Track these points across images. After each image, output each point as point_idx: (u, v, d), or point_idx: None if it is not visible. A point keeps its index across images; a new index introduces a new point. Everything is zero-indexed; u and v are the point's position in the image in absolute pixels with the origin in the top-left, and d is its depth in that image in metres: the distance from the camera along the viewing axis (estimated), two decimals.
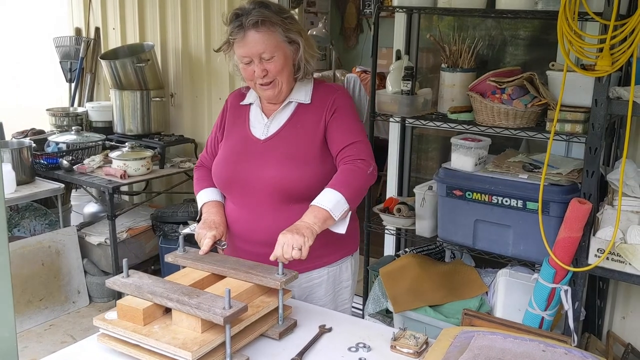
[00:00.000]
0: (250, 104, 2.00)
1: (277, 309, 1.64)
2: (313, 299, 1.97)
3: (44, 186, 3.69)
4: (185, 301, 1.46)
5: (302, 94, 1.92)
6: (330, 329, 1.66)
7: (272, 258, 1.68)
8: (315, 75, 6.12)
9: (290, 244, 1.66)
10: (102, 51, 4.73)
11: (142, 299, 1.52)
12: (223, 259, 1.79)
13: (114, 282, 1.59)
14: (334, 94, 1.92)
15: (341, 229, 1.79)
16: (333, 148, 1.87)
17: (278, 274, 1.63)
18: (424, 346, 1.57)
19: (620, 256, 2.24)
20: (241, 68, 1.87)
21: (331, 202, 1.74)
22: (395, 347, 1.57)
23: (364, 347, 1.58)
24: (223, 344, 1.46)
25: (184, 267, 1.77)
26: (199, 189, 2.04)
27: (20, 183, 3.59)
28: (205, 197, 2.00)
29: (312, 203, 1.75)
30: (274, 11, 1.81)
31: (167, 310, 1.53)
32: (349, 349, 1.58)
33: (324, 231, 1.84)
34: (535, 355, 1.38)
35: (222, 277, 1.71)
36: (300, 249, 1.66)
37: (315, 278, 1.97)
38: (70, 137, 4.07)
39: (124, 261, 1.60)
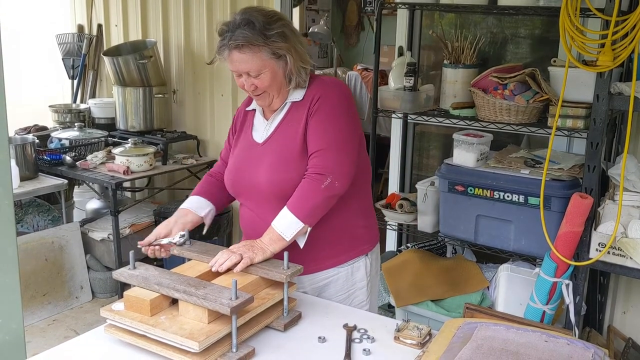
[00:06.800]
0: (254, 109, 2.00)
1: (282, 301, 1.66)
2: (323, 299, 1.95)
3: (47, 182, 3.71)
4: (192, 292, 1.47)
5: (297, 94, 1.89)
6: (355, 327, 1.65)
7: (210, 263, 1.69)
8: (317, 72, 6.12)
9: (232, 255, 1.67)
10: (105, 48, 4.74)
11: (149, 290, 1.53)
12: None
13: (121, 274, 1.61)
14: (322, 89, 1.86)
15: (300, 242, 1.81)
16: (308, 152, 1.83)
17: (283, 267, 1.65)
18: (427, 337, 1.58)
19: (621, 250, 2.26)
20: (235, 77, 1.87)
21: (283, 224, 1.75)
22: (398, 338, 1.58)
23: (368, 338, 1.60)
24: (229, 334, 1.47)
25: (189, 260, 1.79)
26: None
27: (23, 179, 3.61)
28: (183, 205, 2.02)
29: (272, 223, 1.77)
30: (259, 30, 1.74)
31: (174, 302, 1.54)
32: (353, 340, 1.59)
33: (331, 231, 1.88)
34: (537, 346, 1.40)
35: (227, 270, 1.72)
36: (238, 262, 1.66)
37: (323, 279, 1.95)
38: (73, 134, 4.09)
39: (131, 253, 1.62)
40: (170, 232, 1.90)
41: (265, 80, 1.81)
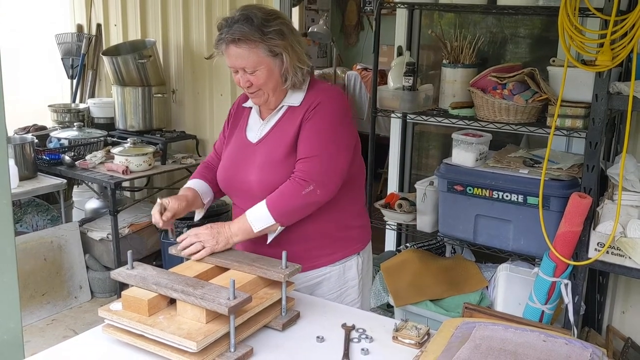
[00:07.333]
0: (250, 107, 2.00)
1: (280, 300, 1.66)
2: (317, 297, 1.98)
3: (46, 182, 3.71)
4: (190, 292, 1.47)
5: (295, 98, 1.89)
6: (353, 326, 1.65)
7: (178, 239, 1.80)
8: (316, 72, 6.13)
9: (200, 241, 1.76)
10: (104, 48, 4.74)
11: (147, 290, 1.53)
12: (227, 251, 1.80)
13: (119, 274, 1.60)
14: (321, 96, 1.86)
15: (269, 237, 1.85)
16: (297, 157, 1.84)
17: (282, 266, 1.65)
18: (426, 337, 1.58)
19: (620, 250, 2.26)
20: (232, 74, 1.88)
21: (256, 216, 1.79)
22: (397, 337, 1.58)
23: (366, 338, 1.60)
24: (227, 334, 1.47)
25: (187, 259, 1.79)
26: (190, 178, 2.10)
27: (22, 179, 3.61)
28: (187, 184, 2.05)
29: (247, 211, 1.82)
30: (256, 26, 1.75)
31: (172, 302, 1.54)
32: (352, 339, 1.59)
33: (325, 232, 1.91)
34: (536, 345, 1.40)
35: (225, 270, 1.72)
36: (202, 249, 1.75)
37: (315, 277, 1.97)
38: (72, 133, 4.09)
39: (129, 253, 1.62)
40: (182, 212, 1.92)
41: (260, 77, 1.81)
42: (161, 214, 1.86)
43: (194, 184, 2.03)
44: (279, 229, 1.83)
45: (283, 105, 1.90)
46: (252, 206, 1.84)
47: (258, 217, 1.79)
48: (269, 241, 1.85)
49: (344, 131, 1.87)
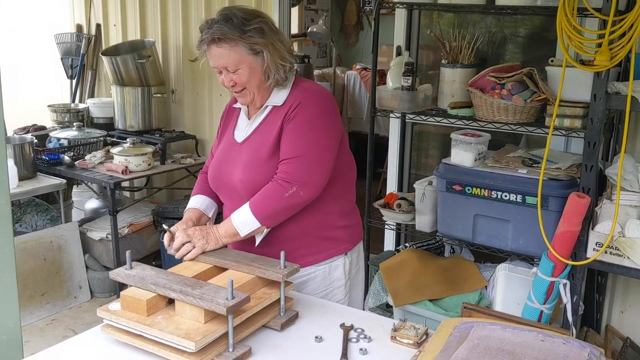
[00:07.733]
0: (240, 107, 2.02)
1: (278, 300, 1.66)
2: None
3: (46, 182, 3.71)
4: (189, 292, 1.48)
5: (279, 97, 1.90)
6: (352, 326, 1.66)
7: (173, 248, 1.82)
8: (316, 72, 6.10)
9: (187, 244, 1.80)
10: (103, 48, 4.75)
11: (146, 290, 1.54)
12: (225, 251, 1.81)
13: (118, 274, 1.61)
14: (303, 96, 1.87)
15: (257, 239, 1.89)
16: (280, 157, 1.85)
17: (280, 266, 1.65)
18: (424, 337, 1.59)
19: (618, 250, 2.26)
20: (217, 75, 1.90)
21: (241, 220, 1.82)
22: (395, 337, 1.59)
23: (365, 337, 1.60)
24: (226, 334, 1.47)
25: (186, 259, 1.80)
26: (192, 195, 2.11)
27: (22, 178, 3.61)
28: (189, 204, 2.06)
29: (232, 215, 1.85)
30: (236, 25, 1.77)
31: (170, 302, 1.55)
32: (350, 339, 1.59)
33: (308, 231, 1.92)
34: (534, 345, 1.40)
35: (224, 270, 1.73)
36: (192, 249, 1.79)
37: (301, 276, 1.95)
38: (71, 133, 4.09)
39: (127, 253, 1.62)
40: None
41: (243, 75, 1.83)
42: (171, 240, 1.87)
43: (195, 202, 2.04)
44: (266, 230, 1.85)
45: (268, 105, 1.91)
46: (238, 206, 1.85)
47: (243, 222, 1.82)
48: (257, 243, 1.87)
49: (326, 130, 1.87)
